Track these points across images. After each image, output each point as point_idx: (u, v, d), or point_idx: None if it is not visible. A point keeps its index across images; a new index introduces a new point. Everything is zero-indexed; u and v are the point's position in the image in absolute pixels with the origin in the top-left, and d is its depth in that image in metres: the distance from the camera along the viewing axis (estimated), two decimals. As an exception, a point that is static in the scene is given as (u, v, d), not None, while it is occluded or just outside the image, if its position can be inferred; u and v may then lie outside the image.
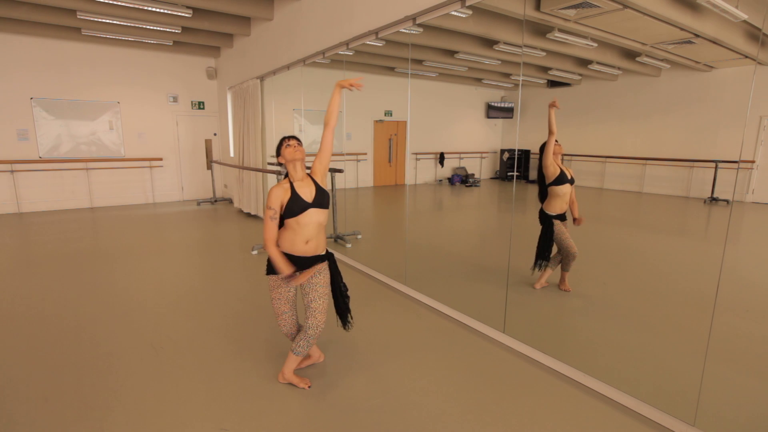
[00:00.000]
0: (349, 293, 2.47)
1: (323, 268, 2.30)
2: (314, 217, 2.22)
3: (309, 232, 2.21)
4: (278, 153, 2.29)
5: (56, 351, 2.75)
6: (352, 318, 2.50)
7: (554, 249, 3.62)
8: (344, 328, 2.48)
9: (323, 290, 2.26)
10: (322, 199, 2.23)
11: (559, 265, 3.60)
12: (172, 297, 3.73)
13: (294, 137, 2.30)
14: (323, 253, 2.32)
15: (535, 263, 3.54)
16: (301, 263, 2.25)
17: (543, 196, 3.57)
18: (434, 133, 9.89)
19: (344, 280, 2.47)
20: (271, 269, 2.28)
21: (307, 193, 2.22)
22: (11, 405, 2.19)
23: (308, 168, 2.36)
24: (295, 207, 2.17)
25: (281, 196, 2.17)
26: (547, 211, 3.49)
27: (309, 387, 2.34)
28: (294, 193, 2.19)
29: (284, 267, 2.14)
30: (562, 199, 3.44)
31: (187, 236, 6.06)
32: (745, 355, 2.72)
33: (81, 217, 7.37)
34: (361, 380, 2.44)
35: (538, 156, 3.56)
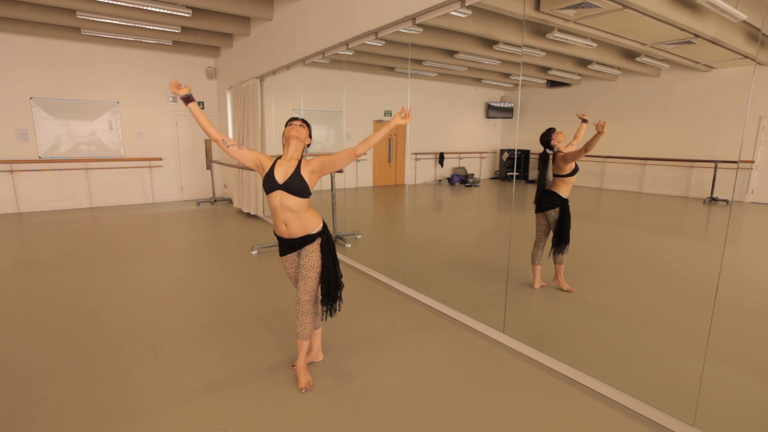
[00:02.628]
0: (343, 281, 2.45)
1: (311, 249, 2.29)
2: (282, 199, 2.20)
3: (283, 215, 2.25)
4: (286, 124, 2.33)
5: (56, 351, 2.75)
6: (338, 309, 2.43)
7: (539, 247, 3.66)
8: (323, 318, 2.47)
9: (306, 273, 2.28)
10: (293, 184, 2.18)
11: (549, 255, 3.63)
12: (172, 297, 3.72)
13: (302, 118, 2.31)
14: (312, 232, 2.30)
15: (562, 249, 3.54)
16: (289, 245, 2.34)
17: (541, 192, 3.60)
18: (434, 133, 9.90)
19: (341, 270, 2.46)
20: (282, 251, 2.40)
21: (281, 175, 2.21)
22: (11, 405, 2.19)
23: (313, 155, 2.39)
24: (266, 183, 2.23)
25: (260, 162, 2.28)
26: (562, 195, 3.52)
27: (302, 390, 2.29)
28: (271, 169, 2.24)
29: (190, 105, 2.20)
30: (571, 185, 3.55)
31: (187, 236, 6.06)
32: (745, 354, 2.73)
33: (80, 217, 7.36)
34: (360, 380, 2.44)
35: (538, 155, 3.56)
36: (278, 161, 2.27)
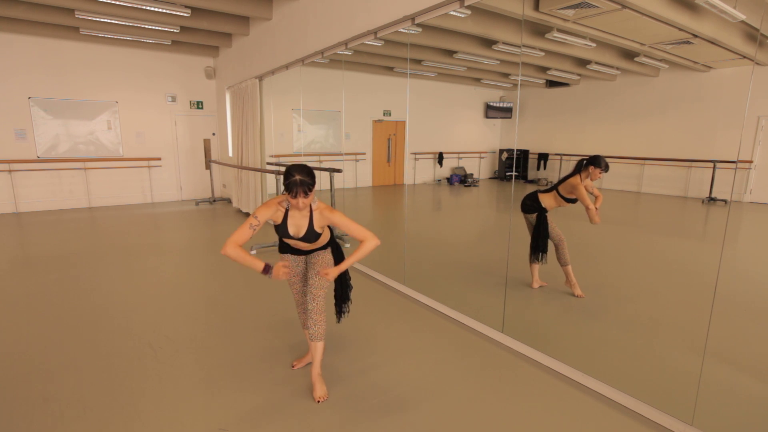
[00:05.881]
0: (351, 282, 2.48)
1: (323, 253, 2.34)
2: (297, 243, 2.24)
3: (298, 248, 2.30)
4: (285, 187, 1.98)
5: (55, 351, 2.75)
6: (348, 311, 2.48)
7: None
8: (338, 320, 2.48)
9: (321, 268, 2.30)
10: (309, 238, 2.17)
11: (530, 261, 3.63)
12: (171, 297, 3.72)
13: (302, 187, 1.93)
14: (323, 244, 2.33)
15: (539, 258, 3.55)
16: (298, 252, 2.35)
17: (530, 193, 3.61)
18: (433, 132, 9.90)
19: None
20: (282, 249, 2.37)
21: (294, 228, 2.15)
22: (11, 405, 2.19)
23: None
24: (279, 231, 2.18)
25: (272, 216, 2.14)
26: (542, 204, 3.53)
27: (319, 402, 2.23)
28: (284, 221, 2.15)
29: (255, 264, 2.02)
30: (558, 205, 3.53)
31: (186, 236, 6.05)
32: (743, 354, 2.73)
33: (79, 217, 7.35)
34: (359, 380, 2.44)
35: (576, 162, 3.47)
36: (290, 213, 2.12)
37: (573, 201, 3.43)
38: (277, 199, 2.16)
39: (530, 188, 3.69)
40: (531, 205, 3.57)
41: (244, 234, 2.03)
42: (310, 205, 2.13)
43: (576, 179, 3.33)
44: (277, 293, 3.78)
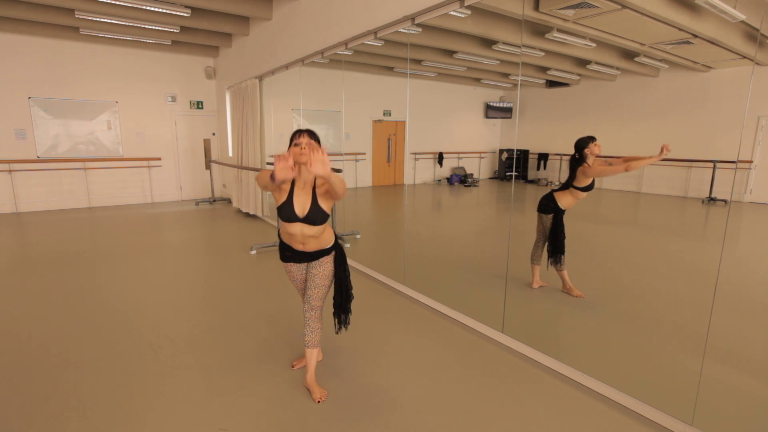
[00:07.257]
0: (353, 293, 2.41)
1: (326, 261, 2.27)
2: (303, 230, 2.15)
3: (303, 239, 2.19)
4: (291, 137, 2.11)
5: (55, 351, 2.75)
6: (348, 322, 2.39)
7: (538, 247, 3.66)
8: (336, 330, 2.39)
9: (320, 281, 2.25)
10: (315, 218, 2.12)
11: (547, 266, 3.61)
12: (171, 297, 3.72)
13: (307, 132, 2.10)
14: (327, 247, 2.27)
15: (557, 259, 3.52)
16: (300, 256, 2.28)
17: (546, 193, 3.58)
18: (433, 132, 9.90)
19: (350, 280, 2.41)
20: (283, 257, 2.34)
21: (299, 207, 2.12)
22: (11, 405, 2.19)
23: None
24: (284, 212, 2.12)
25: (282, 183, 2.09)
26: (559, 204, 3.50)
27: (319, 402, 2.23)
28: (289, 197, 2.12)
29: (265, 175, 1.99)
30: (576, 199, 3.49)
31: (186, 236, 6.05)
32: (743, 354, 2.73)
33: (79, 217, 7.35)
34: (360, 380, 2.44)
35: (570, 158, 3.43)
36: (295, 190, 2.13)
37: (588, 188, 3.40)
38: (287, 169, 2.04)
39: (530, 188, 3.69)
40: (548, 205, 3.53)
41: (265, 172, 2.04)
42: (314, 183, 2.12)
43: (584, 167, 3.31)
44: (279, 293, 3.79)
